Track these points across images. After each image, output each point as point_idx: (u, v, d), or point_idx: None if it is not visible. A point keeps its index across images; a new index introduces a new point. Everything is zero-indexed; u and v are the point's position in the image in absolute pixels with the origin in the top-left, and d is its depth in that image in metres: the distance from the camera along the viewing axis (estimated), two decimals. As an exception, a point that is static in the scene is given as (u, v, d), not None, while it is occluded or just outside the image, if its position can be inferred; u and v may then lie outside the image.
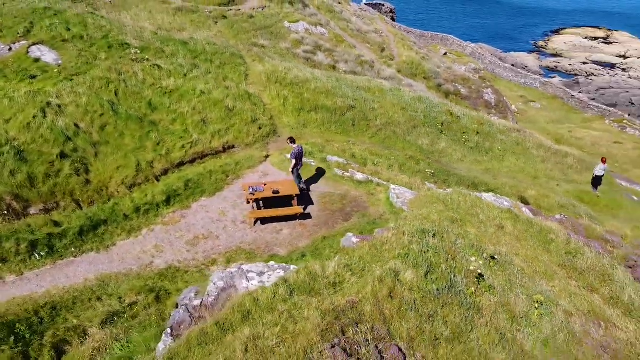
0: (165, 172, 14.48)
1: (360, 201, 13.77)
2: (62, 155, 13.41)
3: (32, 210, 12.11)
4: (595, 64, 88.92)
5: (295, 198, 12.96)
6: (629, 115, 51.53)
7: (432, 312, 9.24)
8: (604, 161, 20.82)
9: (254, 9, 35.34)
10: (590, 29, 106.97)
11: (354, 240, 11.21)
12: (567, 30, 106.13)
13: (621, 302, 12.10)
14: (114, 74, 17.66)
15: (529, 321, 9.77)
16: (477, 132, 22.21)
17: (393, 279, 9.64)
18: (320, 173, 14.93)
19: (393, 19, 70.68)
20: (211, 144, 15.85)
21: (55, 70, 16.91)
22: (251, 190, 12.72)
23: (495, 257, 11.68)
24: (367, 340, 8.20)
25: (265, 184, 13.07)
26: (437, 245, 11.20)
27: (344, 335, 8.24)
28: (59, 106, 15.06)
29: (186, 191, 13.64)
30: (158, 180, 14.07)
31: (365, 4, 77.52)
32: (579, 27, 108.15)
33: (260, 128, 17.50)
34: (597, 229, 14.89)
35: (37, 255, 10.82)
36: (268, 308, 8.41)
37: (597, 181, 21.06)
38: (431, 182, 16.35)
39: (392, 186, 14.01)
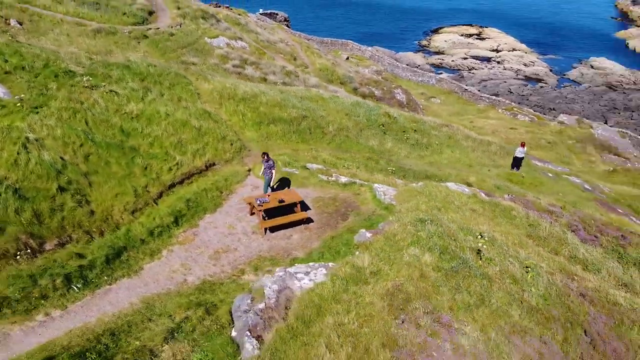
0: (160, 194, 14.92)
1: (350, 201, 15.23)
2: (61, 189, 13.43)
3: (47, 246, 12.13)
4: (474, 58, 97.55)
5: (299, 205, 14.12)
6: (513, 103, 57.89)
7: (457, 285, 10.94)
8: (522, 145, 24.15)
9: (172, 26, 35.36)
10: (464, 26, 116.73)
11: (368, 235, 12.63)
12: (444, 29, 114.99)
13: (579, 260, 14.70)
14: (76, 104, 17.54)
15: (527, 283, 11.78)
16: (414, 130, 24.59)
17: (419, 262, 11.23)
18: (306, 180, 16.17)
19: (288, 27, 72.64)
20: (194, 163, 16.45)
21: (17, 104, 16.46)
22: (259, 202, 13.68)
23: (482, 235, 13.70)
24: (424, 313, 9.72)
25: (269, 195, 14.09)
26: (437, 231, 12.94)
27: (403, 311, 9.69)
28: (37, 140, 14.86)
29: (190, 210, 14.24)
30: (156, 204, 14.49)
31: (260, 14, 78.89)
32: (455, 25, 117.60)
33: (232, 144, 18.32)
34: (541, 203, 17.64)
35: (74, 287, 11.02)
36: (334, 299, 9.62)
37: (517, 162, 24.35)
38: (397, 178, 18.21)
39: (376, 185, 15.64)
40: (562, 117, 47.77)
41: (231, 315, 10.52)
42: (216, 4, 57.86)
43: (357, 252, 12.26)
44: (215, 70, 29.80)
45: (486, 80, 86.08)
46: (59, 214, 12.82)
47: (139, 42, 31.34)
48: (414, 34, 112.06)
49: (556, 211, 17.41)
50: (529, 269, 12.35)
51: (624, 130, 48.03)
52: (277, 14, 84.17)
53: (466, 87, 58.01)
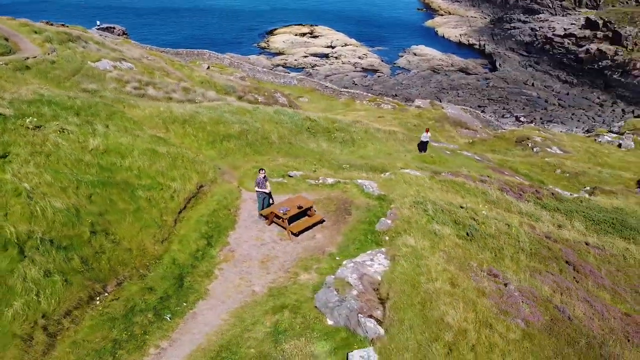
0: (175, 222, 15.44)
1: (343, 198, 17.30)
2: (92, 232, 13.41)
3: (109, 288, 12.30)
4: (313, 56, 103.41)
5: (312, 208, 15.82)
6: (369, 94, 63.82)
7: (482, 245, 13.85)
8: (427, 130, 28.27)
9: (47, 53, 33.17)
10: (296, 26, 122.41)
11: (388, 222, 14.95)
12: (279, 30, 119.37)
13: (524, 213, 18.59)
14: (40, 146, 16.83)
15: (514, 235, 15.10)
16: (337, 130, 27.20)
17: (445, 234, 13.91)
18: (297, 186, 17.80)
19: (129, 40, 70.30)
20: (188, 188, 17.05)
21: (-17, 155, 15.38)
22: (283, 211, 15.10)
23: (462, 206, 16.84)
24: (479, 270, 12.39)
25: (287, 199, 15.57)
26: (436, 208, 15.76)
27: (469, 271, 12.26)
28: (34, 189, 14.34)
29: (214, 231, 15.09)
30: (176, 230, 15.04)
31: (97, 29, 75.03)
32: (288, 26, 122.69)
33: (205, 164, 19.07)
34: (474, 175, 21.53)
35: (166, 318, 11.57)
36: (415, 273, 11.83)
37: (423, 146, 28.45)
38: (355, 172, 20.66)
39: (359, 180, 17.93)
40: (418, 102, 54.43)
41: (317, 308, 12.05)
42: (47, 22, 54.02)
43: (386, 237, 14.52)
44: (119, 94, 29.10)
45: (330, 75, 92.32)
46: (104, 255, 12.93)
47: (23, 74, 29.14)
48: (250, 37, 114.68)
49: (486, 180, 21.44)
50: (510, 226, 15.74)
51: (465, 107, 56.30)
52: (114, 28, 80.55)
53: (327, 85, 62.34)
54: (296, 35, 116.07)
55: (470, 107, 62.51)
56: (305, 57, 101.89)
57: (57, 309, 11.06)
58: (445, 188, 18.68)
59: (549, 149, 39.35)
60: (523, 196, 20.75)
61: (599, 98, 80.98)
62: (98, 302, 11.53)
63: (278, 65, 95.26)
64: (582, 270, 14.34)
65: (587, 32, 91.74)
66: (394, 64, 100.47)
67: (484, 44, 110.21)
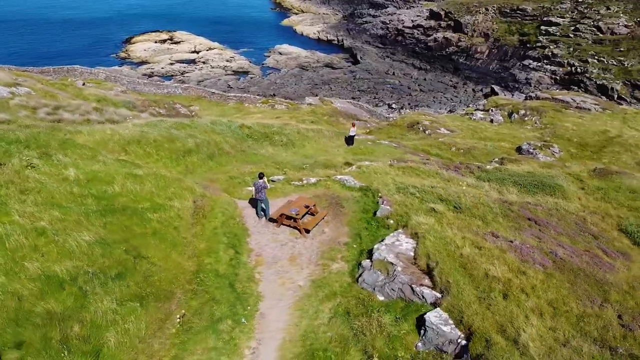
0: (192, 237, 16.01)
1: (329, 194, 19.06)
2: (134, 258, 13.67)
3: (173, 306, 12.84)
4: (180, 62, 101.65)
5: (315, 206, 17.36)
6: (258, 96, 65.15)
7: (470, 215, 16.63)
8: (353, 125, 30.87)
9: None
10: (154, 33, 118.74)
11: (388, 207, 17.12)
12: (136, 39, 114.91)
13: (472, 185, 21.81)
14: (26, 184, 16.16)
15: (486, 203, 18.09)
16: (274, 134, 28.55)
17: (441, 210, 16.47)
18: (285, 189, 19.13)
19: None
20: (187, 205, 17.54)
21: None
22: (294, 212, 16.47)
23: (432, 187, 19.56)
24: (484, 233, 15.07)
25: (289, 202, 16.94)
26: (416, 190, 18.32)
27: (480, 234, 14.88)
28: (51, 225, 14.05)
29: (234, 240, 15.98)
30: (197, 245, 15.68)
31: None
32: (144, 33, 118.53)
33: (184, 180, 19.51)
34: (418, 159, 24.49)
35: (244, 322, 12.54)
36: (444, 243, 14.10)
37: (351, 140, 31.05)
38: (318, 170, 22.46)
39: (338, 176, 19.80)
40: (309, 100, 57.11)
41: (364, 289, 13.84)
42: None
43: (391, 221, 16.67)
44: (35, 121, 27.42)
45: (202, 81, 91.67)
46: (153, 278, 13.34)
47: None
48: (105, 47, 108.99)
49: (427, 162, 24.56)
50: (475, 197, 18.80)
51: (349, 100, 60.31)
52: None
53: (213, 91, 62.41)
54: (156, 42, 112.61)
55: (346, 99, 66.83)
56: (172, 64, 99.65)
57: (147, 331, 11.51)
58: (407, 173, 21.33)
59: (438, 130, 44.38)
60: (459, 172, 24.20)
61: (451, 81, 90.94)
62: (177, 320, 12.12)
63: (145, 74, 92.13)
64: (542, 223, 17.81)
65: (433, 23, 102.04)
66: (263, 64, 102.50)
67: (342, 39, 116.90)
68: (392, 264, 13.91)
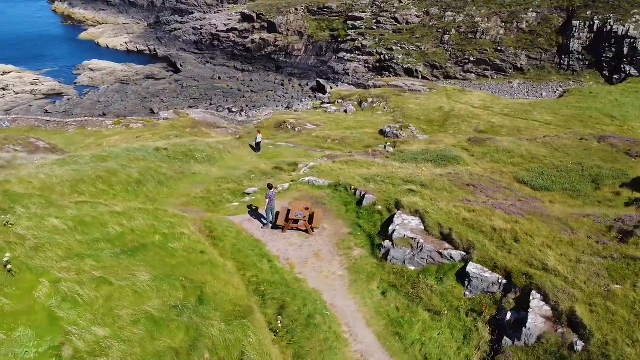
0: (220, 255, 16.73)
1: (305, 195, 20.95)
2: (197, 284, 14.22)
3: (261, 316, 13.92)
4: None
5: (310, 207, 19.20)
6: (104, 119, 61.20)
7: (436, 189, 20.30)
8: (259, 132, 32.46)
9: None
10: None
11: (371, 196, 19.85)
12: None
13: (401, 168, 25.61)
14: (40, 239, 15.10)
15: (432, 177, 21.95)
16: (192, 151, 28.74)
17: (418, 190, 19.86)
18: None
19: None
20: (192, 230, 17.96)
21: None
22: (300, 215, 18.17)
23: (392, 172, 22.81)
24: (463, 201, 18.83)
25: (289, 210, 18.59)
26: (383, 177, 21.47)
27: (469, 199, 18.56)
28: (108, 276, 13.78)
29: (259, 252, 17.11)
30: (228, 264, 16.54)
31: None
32: None
33: (166, 209, 19.62)
34: (344, 153, 27.36)
35: (327, 314, 14.21)
36: (448, 213, 17.42)
37: (258, 146, 32.74)
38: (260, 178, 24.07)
39: (306, 178, 21.77)
40: (164, 114, 55.78)
41: (394, 264, 16.49)
42: None
43: (379, 207, 19.46)
44: None
45: (10, 110, 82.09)
46: (226, 296, 14.13)
47: None
48: None
49: (352, 154, 27.66)
50: (425, 176, 22.53)
51: (204, 110, 60.51)
52: None
53: (47, 119, 57.07)
54: None
55: (200, 109, 66.84)
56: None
57: (266, 340, 12.59)
58: (352, 166, 24.15)
59: (306, 126, 47.89)
60: (378, 157, 27.86)
61: (276, 79, 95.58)
62: (279, 325, 13.33)
63: None
64: (477, 186, 22.26)
65: (247, 25, 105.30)
66: (76, 83, 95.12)
67: (155, 48, 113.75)
68: (413, 238, 16.75)
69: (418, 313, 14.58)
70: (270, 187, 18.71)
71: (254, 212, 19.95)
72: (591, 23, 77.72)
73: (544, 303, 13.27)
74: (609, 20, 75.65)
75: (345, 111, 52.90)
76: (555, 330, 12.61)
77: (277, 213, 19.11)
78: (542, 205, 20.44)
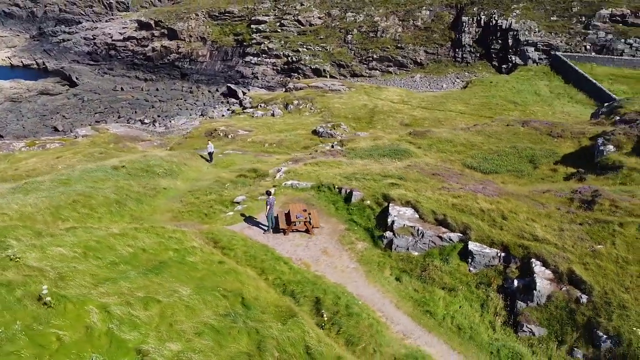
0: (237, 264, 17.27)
1: (292, 199, 21.89)
2: (233, 293, 14.80)
3: (305, 315, 14.81)
4: None
5: (307, 208, 20.18)
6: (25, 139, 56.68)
7: (413, 180, 22.27)
8: (209, 141, 32.52)
9: None
10: None
11: (358, 193, 21.31)
12: None
13: (363, 164, 27.35)
14: (48, 272, 14.73)
15: (404, 168, 23.94)
16: (152, 166, 28.26)
17: (401, 183, 21.66)
18: (260, 204, 21.11)
19: None
20: (200, 242, 18.25)
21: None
22: (301, 217, 19.13)
23: (367, 169, 24.40)
24: (443, 189, 20.92)
25: (289, 211, 19.51)
26: (361, 174, 23.07)
27: (450, 192, 20.62)
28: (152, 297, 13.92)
29: (271, 256, 17.85)
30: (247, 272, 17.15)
31: None
32: None
33: (163, 226, 19.64)
34: (307, 156, 28.46)
35: (359, 303, 15.43)
36: (437, 200, 19.35)
37: (210, 155, 32.87)
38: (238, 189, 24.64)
39: (288, 182, 22.67)
40: (82, 132, 52.95)
41: (398, 252, 18.12)
42: None
43: (367, 202, 21.01)
44: None
45: None
46: (263, 300, 14.85)
47: None
48: None
49: (315, 157, 28.87)
50: (395, 169, 24.41)
51: (125, 124, 58.27)
52: None
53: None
54: None
55: (120, 123, 64.17)
56: None
57: (318, 336, 13.57)
58: (323, 167, 25.36)
59: (238, 132, 48.18)
60: (338, 156, 29.37)
61: (183, 87, 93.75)
62: (325, 320, 14.34)
63: None
64: (443, 175, 24.50)
65: (145, 33, 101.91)
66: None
67: (43, 62, 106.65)
68: (413, 226, 18.45)
69: (435, 292, 16.28)
70: (269, 194, 19.46)
71: (249, 219, 20.56)
72: (478, 18, 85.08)
73: (544, 268, 15.52)
74: (494, 15, 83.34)
75: (273, 114, 53.81)
76: (560, 289, 14.88)
77: (276, 217, 19.91)
78: (500, 186, 23.06)
